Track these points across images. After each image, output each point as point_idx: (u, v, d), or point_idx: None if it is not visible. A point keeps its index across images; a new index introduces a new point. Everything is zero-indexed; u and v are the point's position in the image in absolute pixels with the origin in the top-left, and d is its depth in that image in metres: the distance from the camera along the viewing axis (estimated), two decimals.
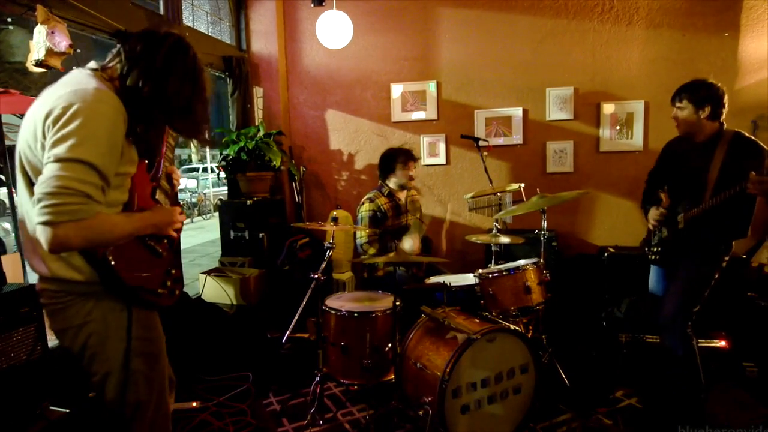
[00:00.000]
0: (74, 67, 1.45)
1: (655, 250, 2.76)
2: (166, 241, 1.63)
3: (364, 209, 3.50)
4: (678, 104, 2.53)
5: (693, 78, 2.56)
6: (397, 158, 3.55)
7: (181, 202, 1.80)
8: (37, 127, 1.29)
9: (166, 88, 1.41)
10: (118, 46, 1.44)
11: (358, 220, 3.54)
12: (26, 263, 1.51)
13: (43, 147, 1.28)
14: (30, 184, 1.38)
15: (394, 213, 3.57)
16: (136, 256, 1.48)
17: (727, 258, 2.55)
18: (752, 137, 2.46)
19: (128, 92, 1.39)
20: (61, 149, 1.21)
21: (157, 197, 1.63)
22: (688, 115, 2.49)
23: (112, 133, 1.30)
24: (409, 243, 3.47)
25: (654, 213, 2.73)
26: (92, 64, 1.46)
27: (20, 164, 1.39)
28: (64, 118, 1.24)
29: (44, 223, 1.18)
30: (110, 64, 1.44)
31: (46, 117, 1.26)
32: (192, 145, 1.77)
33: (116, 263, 1.38)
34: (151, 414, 1.54)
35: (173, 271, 1.65)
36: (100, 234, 1.27)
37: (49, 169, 1.21)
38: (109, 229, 1.31)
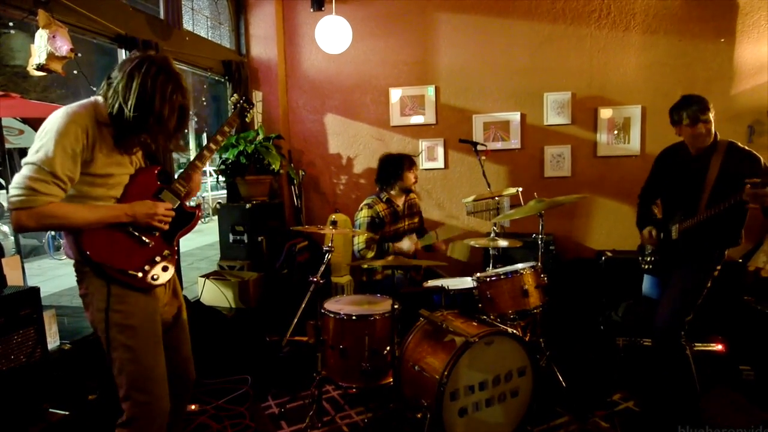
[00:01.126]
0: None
1: (648, 259, 2.78)
2: (158, 233, 1.85)
3: (362, 215, 3.51)
4: (709, 116, 2.44)
5: (689, 83, 2.58)
6: (403, 164, 3.54)
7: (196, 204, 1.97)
8: None
9: (127, 104, 1.65)
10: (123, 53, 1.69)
11: (356, 226, 3.55)
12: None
13: None
14: None
15: (392, 219, 3.58)
16: (112, 240, 1.73)
17: (719, 267, 2.56)
18: (746, 147, 2.48)
19: (109, 112, 1.69)
20: (28, 155, 1.59)
21: (162, 197, 1.86)
22: (712, 126, 2.47)
23: (63, 143, 1.58)
24: (408, 243, 3.48)
25: (648, 240, 2.76)
26: (100, 90, 1.77)
27: None
28: (37, 134, 1.62)
29: (9, 209, 1.57)
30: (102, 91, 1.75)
31: None
32: (190, 150, 1.92)
33: (84, 242, 1.67)
34: (132, 377, 1.74)
35: (158, 259, 1.84)
36: (52, 219, 1.59)
37: (22, 169, 1.58)
38: (63, 216, 1.61)
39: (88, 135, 1.64)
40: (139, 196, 1.80)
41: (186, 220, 1.95)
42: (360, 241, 3.45)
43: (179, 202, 1.91)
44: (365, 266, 3.25)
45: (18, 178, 1.56)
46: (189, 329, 2.06)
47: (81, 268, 1.74)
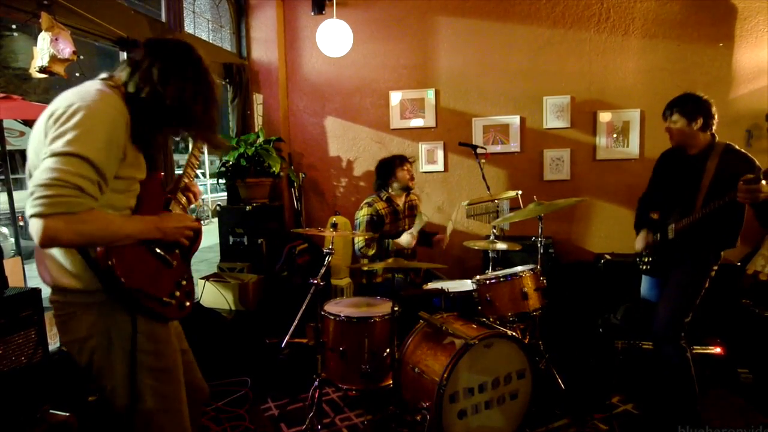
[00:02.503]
0: (77, 74, 1.53)
1: (646, 260, 2.80)
2: (177, 251, 1.60)
3: (362, 214, 3.54)
4: (670, 118, 2.58)
5: (687, 87, 2.61)
6: (393, 162, 3.60)
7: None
8: (40, 132, 1.32)
9: (164, 90, 1.43)
10: (125, 55, 1.51)
11: (356, 225, 3.57)
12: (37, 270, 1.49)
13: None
14: None
15: (392, 218, 3.60)
16: (140, 262, 1.44)
17: (716, 268, 2.58)
18: (742, 150, 2.50)
19: (131, 98, 1.42)
20: (57, 144, 1.23)
21: (170, 209, 1.63)
22: (682, 127, 2.54)
23: (110, 131, 1.31)
24: (407, 238, 3.42)
25: (641, 242, 2.82)
26: (103, 74, 1.49)
27: (29, 174, 1.38)
28: (64, 116, 1.26)
29: (35, 215, 1.17)
30: (117, 73, 1.48)
31: (49, 118, 1.29)
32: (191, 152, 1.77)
33: (116, 265, 1.34)
34: (164, 428, 1.50)
35: (184, 283, 1.61)
36: (92, 229, 1.26)
37: (45, 164, 1.22)
38: (104, 226, 1.30)
39: (127, 126, 1.37)
40: (153, 206, 1.55)
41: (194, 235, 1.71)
42: (359, 240, 3.46)
43: (186, 213, 1.69)
44: (365, 268, 3.25)
45: (52, 174, 1.19)
46: (190, 330, 1.98)
47: (85, 299, 1.40)
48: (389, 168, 3.61)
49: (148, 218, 1.47)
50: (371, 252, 3.42)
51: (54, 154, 1.22)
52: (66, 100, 1.30)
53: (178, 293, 1.55)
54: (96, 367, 1.43)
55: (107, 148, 1.30)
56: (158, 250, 1.50)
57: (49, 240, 1.20)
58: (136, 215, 1.47)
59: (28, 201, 1.18)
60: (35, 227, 1.18)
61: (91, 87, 1.35)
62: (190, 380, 1.74)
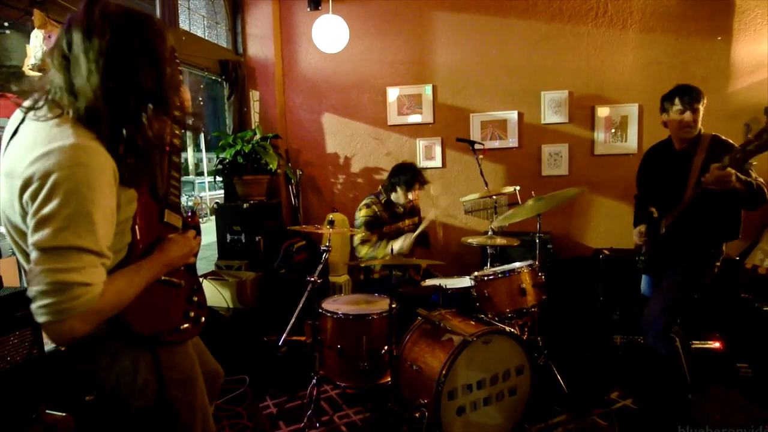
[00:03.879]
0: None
1: (642, 258, 2.80)
2: (183, 267, 1.51)
3: (361, 215, 3.52)
4: (698, 105, 2.48)
5: (686, 81, 2.58)
6: (400, 179, 3.48)
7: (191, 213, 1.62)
8: (14, 196, 1.12)
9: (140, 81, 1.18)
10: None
11: (356, 226, 3.55)
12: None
13: (24, 218, 1.12)
14: (16, 243, 1.25)
15: (391, 218, 3.57)
16: (150, 299, 1.35)
17: (718, 263, 2.56)
18: (729, 140, 2.48)
19: (107, 137, 1.16)
20: (45, 236, 1.05)
21: (166, 219, 1.45)
22: (700, 117, 2.50)
23: (102, 202, 1.12)
24: (398, 244, 3.34)
25: (637, 237, 2.80)
26: (51, 93, 1.17)
27: (4, 221, 1.24)
28: (42, 194, 1.06)
29: (44, 323, 1.07)
30: (57, 96, 1.17)
31: (23, 189, 1.09)
32: (188, 150, 1.69)
33: (127, 318, 1.27)
34: None
35: (195, 298, 1.55)
36: (108, 311, 1.17)
37: (36, 261, 1.06)
38: (117, 303, 1.19)
39: (115, 176, 1.17)
40: (149, 231, 1.37)
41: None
42: (356, 238, 3.45)
43: (182, 218, 1.52)
44: (363, 265, 3.25)
45: (48, 277, 1.04)
46: None
47: (103, 335, 1.29)
48: (395, 178, 3.50)
49: (153, 261, 1.34)
50: (365, 250, 3.40)
51: (43, 249, 1.05)
52: (41, 166, 1.07)
53: (192, 313, 1.50)
54: (124, 390, 1.36)
55: (102, 225, 1.12)
56: (163, 278, 1.40)
57: (66, 341, 1.11)
58: (141, 265, 1.31)
59: (32, 306, 1.06)
60: (48, 333, 1.10)
61: (65, 139, 1.10)
62: (207, 369, 1.71)
